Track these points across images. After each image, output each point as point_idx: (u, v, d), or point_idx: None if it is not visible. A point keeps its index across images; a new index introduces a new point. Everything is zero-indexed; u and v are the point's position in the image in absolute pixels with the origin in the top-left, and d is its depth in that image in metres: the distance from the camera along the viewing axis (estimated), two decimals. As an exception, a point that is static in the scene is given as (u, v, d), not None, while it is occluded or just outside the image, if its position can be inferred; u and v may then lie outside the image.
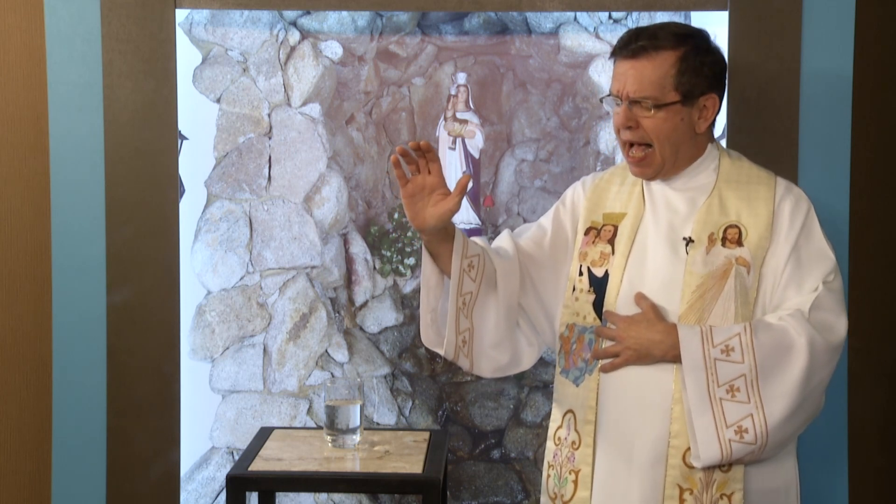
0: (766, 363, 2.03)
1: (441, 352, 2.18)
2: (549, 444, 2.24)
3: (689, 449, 2.06)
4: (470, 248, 2.15)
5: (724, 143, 2.75)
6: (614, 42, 2.17)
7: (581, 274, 2.20)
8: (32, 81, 2.82)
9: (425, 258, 2.16)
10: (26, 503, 2.86)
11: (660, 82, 2.08)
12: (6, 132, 2.82)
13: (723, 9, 2.72)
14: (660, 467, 2.08)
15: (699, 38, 2.14)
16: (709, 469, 2.05)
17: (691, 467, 2.06)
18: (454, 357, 2.18)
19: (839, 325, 2.09)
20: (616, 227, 2.19)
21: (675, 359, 2.06)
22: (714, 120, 2.17)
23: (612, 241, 2.18)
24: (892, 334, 2.95)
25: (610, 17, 2.80)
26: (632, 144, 2.14)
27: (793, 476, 2.16)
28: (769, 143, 2.71)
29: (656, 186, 2.19)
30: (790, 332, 2.04)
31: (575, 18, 2.81)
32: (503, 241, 2.28)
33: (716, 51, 2.16)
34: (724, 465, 2.06)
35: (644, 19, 2.76)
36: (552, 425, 2.24)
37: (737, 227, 2.13)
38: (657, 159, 2.12)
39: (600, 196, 2.26)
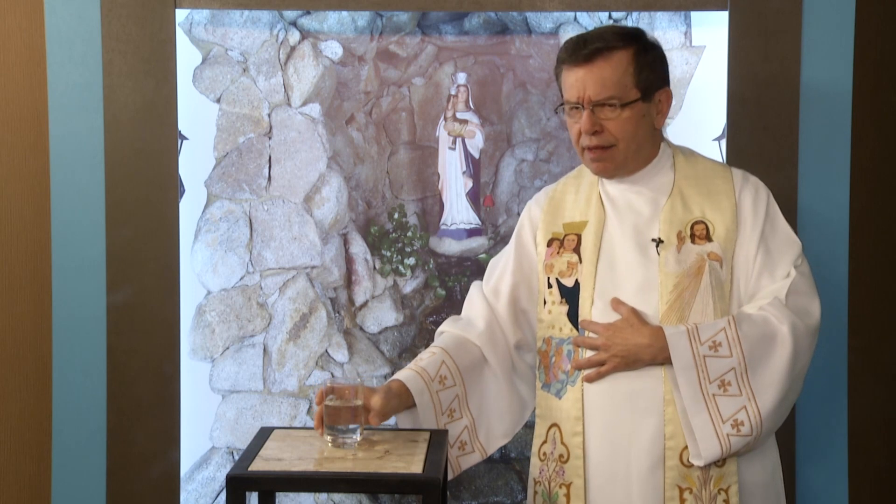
0: (754, 354, 2.05)
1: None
2: (534, 461, 2.23)
3: (685, 448, 2.06)
4: (431, 372, 2.20)
5: (724, 143, 2.75)
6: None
7: (550, 286, 2.20)
8: (32, 81, 2.82)
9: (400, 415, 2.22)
10: (26, 503, 2.86)
11: (620, 81, 2.08)
12: (6, 132, 2.81)
13: (723, 9, 2.72)
14: (658, 470, 2.08)
15: (643, 35, 2.15)
16: (705, 466, 2.06)
17: (689, 466, 2.06)
18: (456, 469, 2.24)
19: (814, 308, 2.11)
20: (579, 236, 2.18)
21: (665, 361, 2.06)
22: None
23: (577, 251, 2.18)
24: (892, 334, 2.95)
25: (610, 17, 2.79)
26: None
27: (778, 466, 2.19)
28: (769, 143, 2.71)
29: (615, 191, 2.19)
30: (772, 320, 2.06)
31: (575, 18, 2.81)
32: (473, 305, 2.31)
33: (659, 46, 2.18)
34: (720, 460, 2.06)
35: (644, 19, 2.76)
36: (536, 441, 2.23)
37: (703, 222, 2.14)
38: (619, 156, 2.12)
39: (557, 207, 2.26)
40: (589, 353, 2.12)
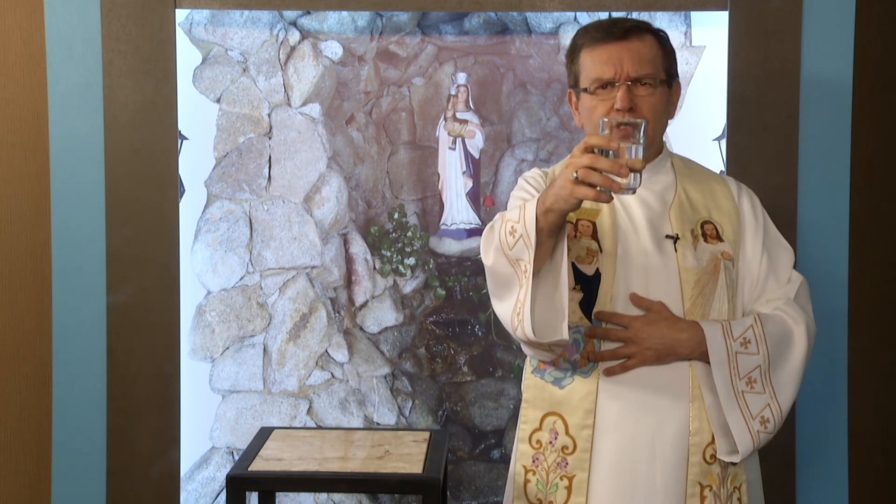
0: (776, 352, 2.07)
1: (564, 336, 1.93)
2: (524, 447, 2.15)
3: (708, 445, 2.05)
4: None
5: (724, 143, 2.76)
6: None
7: None
8: (32, 81, 2.82)
9: (537, 248, 1.90)
10: (26, 503, 2.86)
11: (654, 61, 2.10)
12: (6, 132, 2.81)
13: (723, 9, 2.72)
14: (681, 467, 2.06)
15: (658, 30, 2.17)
16: (724, 464, 2.06)
17: (710, 463, 2.06)
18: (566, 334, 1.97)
19: (811, 311, 2.16)
20: (594, 223, 2.12)
21: (702, 356, 2.05)
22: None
23: (595, 238, 2.11)
24: (892, 334, 2.95)
25: (610, 17, 2.79)
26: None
27: (758, 463, 2.20)
28: (769, 143, 2.71)
29: None
30: (788, 320, 2.09)
31: (575, 18, 2.81)
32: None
33: None
34: None
35: (644, 19, 2.76)
36: (526, 427, 2.15)
37: (711, 222, 2.15)
38: (649, 136, 2.07)
39: None
40: (608, 345, 2.07)
